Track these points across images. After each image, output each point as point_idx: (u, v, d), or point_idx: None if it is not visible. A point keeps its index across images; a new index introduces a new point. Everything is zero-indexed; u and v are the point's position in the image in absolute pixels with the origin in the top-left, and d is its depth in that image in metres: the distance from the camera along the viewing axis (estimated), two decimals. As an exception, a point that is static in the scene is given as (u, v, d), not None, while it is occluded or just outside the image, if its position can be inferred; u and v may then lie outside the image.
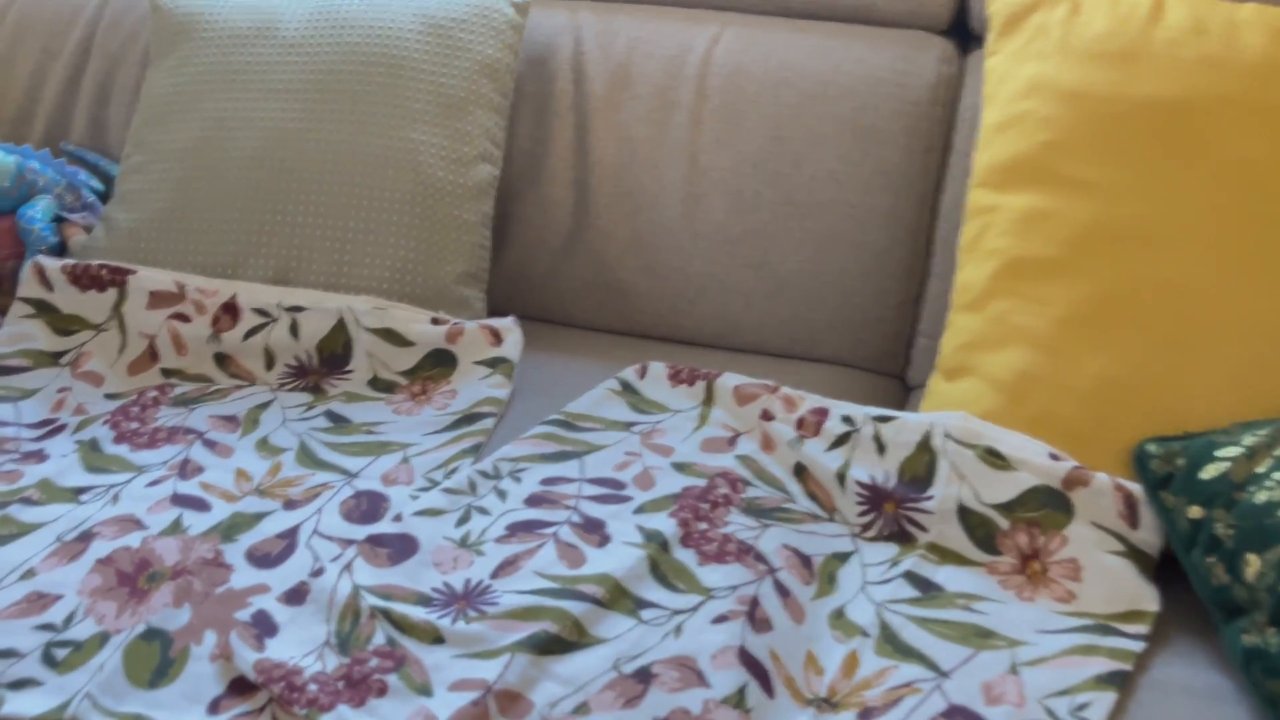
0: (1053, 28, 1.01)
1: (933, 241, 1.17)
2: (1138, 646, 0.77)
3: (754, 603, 0.82)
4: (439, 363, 1.10)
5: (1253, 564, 0.73)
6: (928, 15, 1.22)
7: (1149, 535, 0.83)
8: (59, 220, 1.22)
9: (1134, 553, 0.83)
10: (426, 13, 1.19)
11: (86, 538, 0.86)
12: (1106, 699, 0.72)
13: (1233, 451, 0.78)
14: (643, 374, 1.10)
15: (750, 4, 1.27)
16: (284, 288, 1.12)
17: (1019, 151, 0.98)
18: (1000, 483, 0.87)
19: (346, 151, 1.14)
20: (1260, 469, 0.76)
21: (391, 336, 1.10)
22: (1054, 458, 0.86)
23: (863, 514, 0.92)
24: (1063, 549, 0.84)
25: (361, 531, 0.88)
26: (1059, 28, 1.00)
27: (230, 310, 1.11)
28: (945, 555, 0.87)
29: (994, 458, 0.88)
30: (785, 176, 1.18)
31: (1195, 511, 0.79)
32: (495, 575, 0.84)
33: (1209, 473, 0.79)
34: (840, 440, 0.96)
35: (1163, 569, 0.83)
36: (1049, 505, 0.85)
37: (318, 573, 0.83)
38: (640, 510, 0.92)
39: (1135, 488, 0.84)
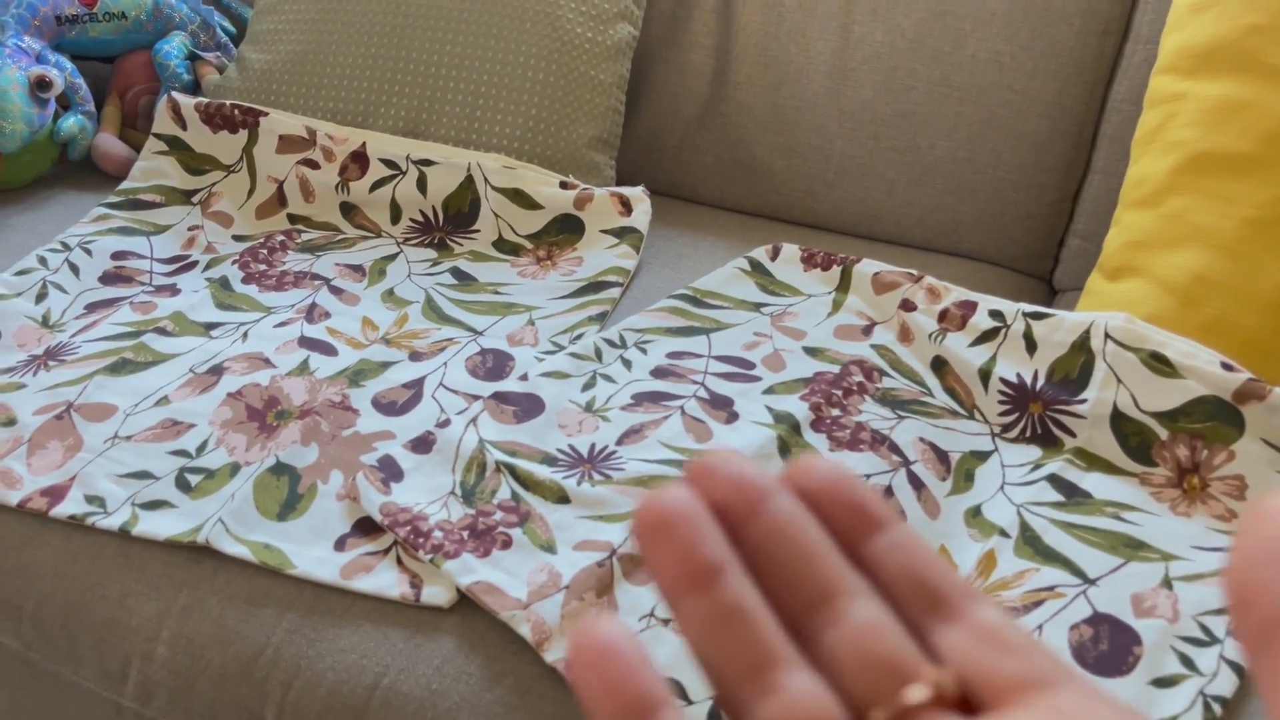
0: (1272, -104, 0.90)
1: (1098, 135, 1.08)
2: (1306, 573, 0.71)
3: (887, 493, 0.78)
4: (565, 228, 1.07)
5: None
6: (1117, -116, 1.11)
7: (1327, 458, 0.77)
8: (193, 58, 1.20)
9: (1308, 476, 0.77)
10: None
11: (217, 371, 0.87)
12: (1270, 623, 0.68)
13: None
14: (774, 255, 1.05)
15: None
16: (413, 140, 1.10)
17: (1217, 35, 0.88)
18: (1164, 390, 0.81)
19: (482, 2, 1.09)
20: None
21: (519, 198, 1.07)
22: (1227, 368, 0.80)
23: (1005, 413, 0.87)
24: (1228, 465, 0.78)
25: (487, 388, 0.87)
26: (1279, -104, 0.89)
27: (359, 159, 1.09)
28: (1093, 462, 0.82)
29: (1159, 363, 0.81)
30: (944, 55, 1.10)
31: (1388, 436, 0.72)
32: (620, 442, 0.82)
33: None
34: (986, 336, 0.90)
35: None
36: (1217, 417, 0.79)
37: (443, 424, 0.82)
38: (770, 391, 0.88)
39: (1317, 407, 0.77)
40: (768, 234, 1.15)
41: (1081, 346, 0.85)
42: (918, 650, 0.20)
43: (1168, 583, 0.71)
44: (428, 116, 1.10)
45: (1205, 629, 0.68)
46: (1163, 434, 0.80)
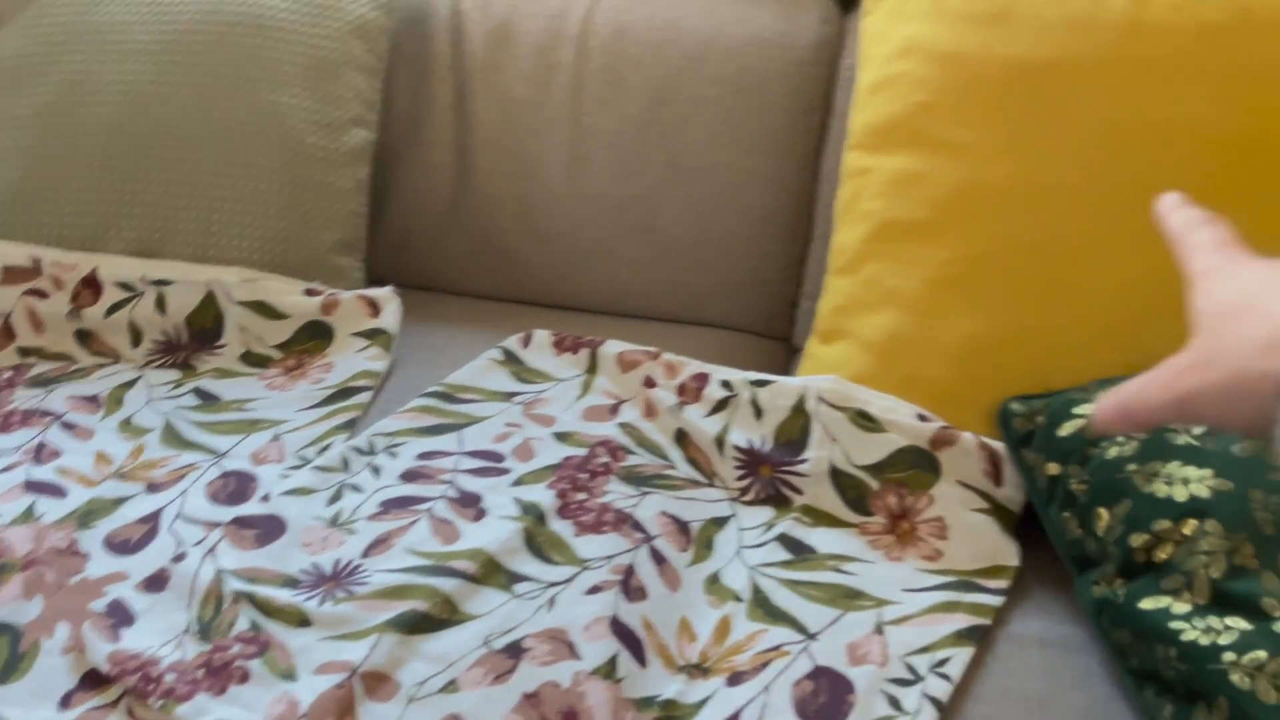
0: (926, -12, 1.00)
1: (815, 204, 1.17)
2: (997, 601, 0.79)
3: (629, 572, 0.82)
4: (315, 335, 1.07)
5: (1103, 518, 0.75)
6: (810, -27, 1.21)
7: (1012, 492, 0.85)
8: (-97, 192, 1.15)
9: (998, 509, 0.85)
10: (293, -30, 1.14)
11: (-68, 529, 0.82)
12: (964, 654, 0.74)
13: (1088, 409, 0.80)
14: (526, 342, 1.08)
15: (632, -39, 1.24)
16: (148, 260, 1.08)
17: (892, 113, 0.98)
18: (870, 444, 0.88)
19: (210, 117, 1.09)
20: (1114, 426, 0.78)
21: (264, 309, 1.07)
22: (922, 418, 0.87)
23: (741, 478, 0.92)
24: (930, 508, 0.85)
25: (228, 513, 0.86)
26: (932, -12, 1.00)
27: (91, 285, 1.07)
28: (819, 517, 0.88)
29: (864, 420, 0.88)
30: (669, 139, 1.17)
31: (1053, 468, 0.80)
32: (366, 554, 0.83)
33: (1066, 430, 0.81)
34: (720, 405, 0.96)
35: (1026, 524, 0.85)
36: (917, 465, 0.86)
37: (179, 558, 0.80)
38: (518, 482, 0.91)
39: (999, 446, 0.86)
40: (524, 320, 1.17)
41: (799, 409, 0.92)
42: None
43: (879, 628, 0.77)
44: (161, 236, 1.08)
45: (911, 668, 0.73)
46: (874, 485, 0.87)
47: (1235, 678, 0.63)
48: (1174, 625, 0.68)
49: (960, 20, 0.97)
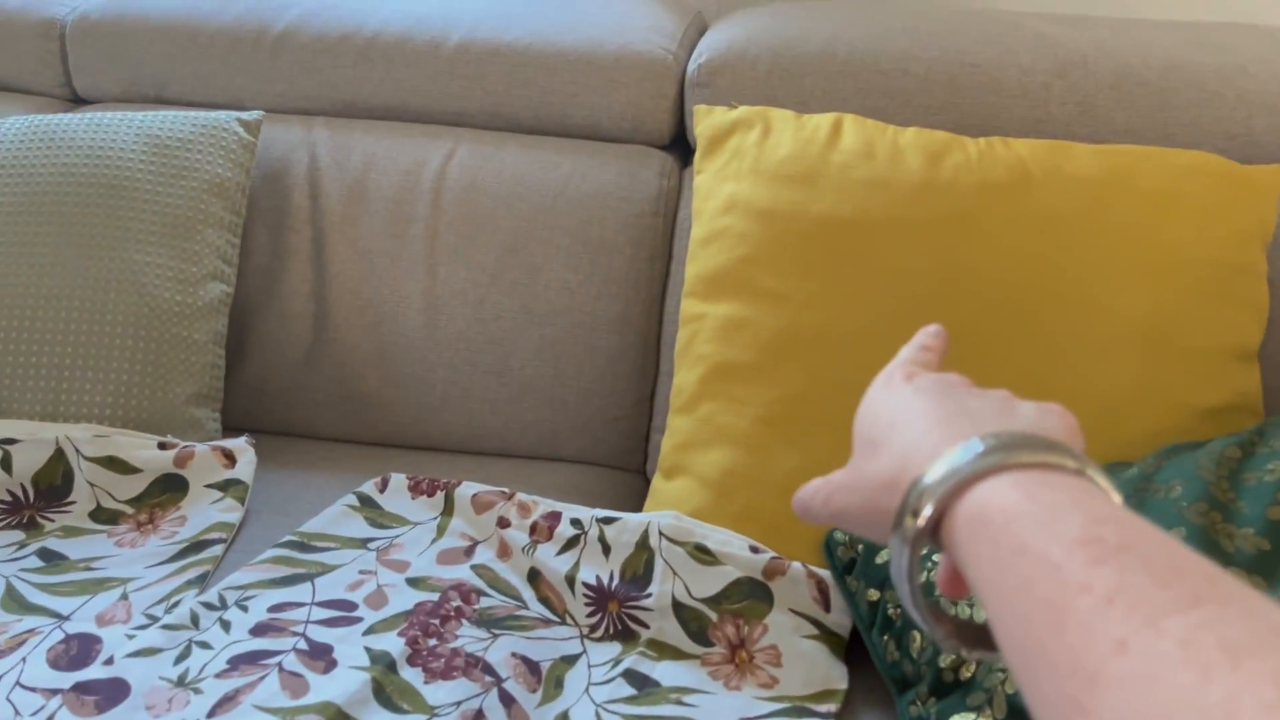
0: (747, 150, 1.11)
1: (660, 344, 1.24)
2: (827, 725, 0.84)
3: (478, 715, 0.84)
4: (169, 488, 1.07)
5: (916, 640, 0.82)
6: (649, 132, 1.31)
7: (840, 617, 0.91)
8: None
9: (827, 635, 0.90)
10: (150, 133, 1.18)
11: None
12: (795, 779, 0.78)
13: (901, 536, 0.87)
14: (383, 487, 1.11)
15: (482, 121, 1.33)
16: (-6, 419, 1.07)
17: (720, 264, 1.06)
18: (708, 577, 0.93)
19: (63, 275, 1.11)
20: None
21: (115, 464, 1.07)
22: (754, 550, 0.93)
23: (590, 614, 0.96)
24: (765, 636, 0.90)
25: (69, 679, 0.85)
26: (752, 150, 1.11)
27: (-68, 446, 1.05)
28: (664, 650, 0.92)
29: (702, 553, 0.94)
30: (522, 286, 1.23)
31: (873, 594, 0.87)
32: (213, 714, 0.83)
33: (883, 557, 0.87)
34: (570, 544, 1.00)
35: (854, 647, 0.91)
36: (751, 596, 0.92)
37: (14, 730, 0.79)
38: (370, 631, 0.92)
39: (825, 574, 0.92)
40: (382, 462, 1.20)
41: (643, 545, 0.96)
42: None
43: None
44: (9, 394, 1.08)
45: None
46: (713, 616, 0.92)
47: (1028, 787, 0.69)
48: (977, 740, 0.74)
49: (776, 181, 1.07)
